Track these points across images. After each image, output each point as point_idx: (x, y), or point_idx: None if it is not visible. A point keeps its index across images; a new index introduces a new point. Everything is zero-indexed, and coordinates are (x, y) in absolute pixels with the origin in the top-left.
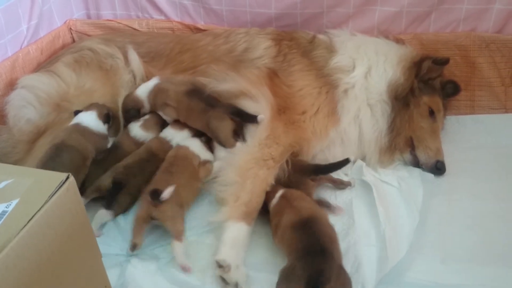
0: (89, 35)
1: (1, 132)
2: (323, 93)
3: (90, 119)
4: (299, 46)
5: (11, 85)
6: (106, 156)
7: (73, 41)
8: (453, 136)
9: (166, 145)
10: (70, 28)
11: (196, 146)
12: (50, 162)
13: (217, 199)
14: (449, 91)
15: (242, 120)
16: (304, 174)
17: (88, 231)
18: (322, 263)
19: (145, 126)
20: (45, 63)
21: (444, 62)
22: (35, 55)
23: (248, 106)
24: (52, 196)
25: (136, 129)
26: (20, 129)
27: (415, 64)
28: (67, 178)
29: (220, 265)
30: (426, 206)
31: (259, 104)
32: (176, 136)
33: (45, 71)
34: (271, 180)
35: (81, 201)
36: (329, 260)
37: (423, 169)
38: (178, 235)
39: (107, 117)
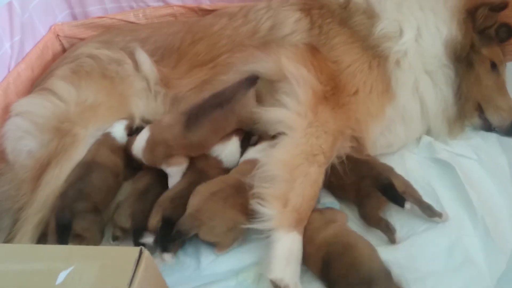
0: (81, 39)
1: (3, 171)
2: (374, 68)
3: (118, 129)
4: (333, 14)
5: (7, 115)
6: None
7: (63, 48)
8: None
9: (213, 160)
10: (58, 35)
11: None
12: (79, 183)
13: (255, 196)
14: (503, 35)
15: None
16: (375, 184)
17: None
18: None
19: None
20: (39, 81)
21: (503, 6)
22: (26, 75)
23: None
24: (131, 284)
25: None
26: (22, 164)
27: (469, 14)
28: (141, 253)
29: (276, 285)
30: None
31: (293, 89)
32: (225, 149)
33: (39, 90)
34: (321, 181)
35: (161, 276)
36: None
37: (497, 133)
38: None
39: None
